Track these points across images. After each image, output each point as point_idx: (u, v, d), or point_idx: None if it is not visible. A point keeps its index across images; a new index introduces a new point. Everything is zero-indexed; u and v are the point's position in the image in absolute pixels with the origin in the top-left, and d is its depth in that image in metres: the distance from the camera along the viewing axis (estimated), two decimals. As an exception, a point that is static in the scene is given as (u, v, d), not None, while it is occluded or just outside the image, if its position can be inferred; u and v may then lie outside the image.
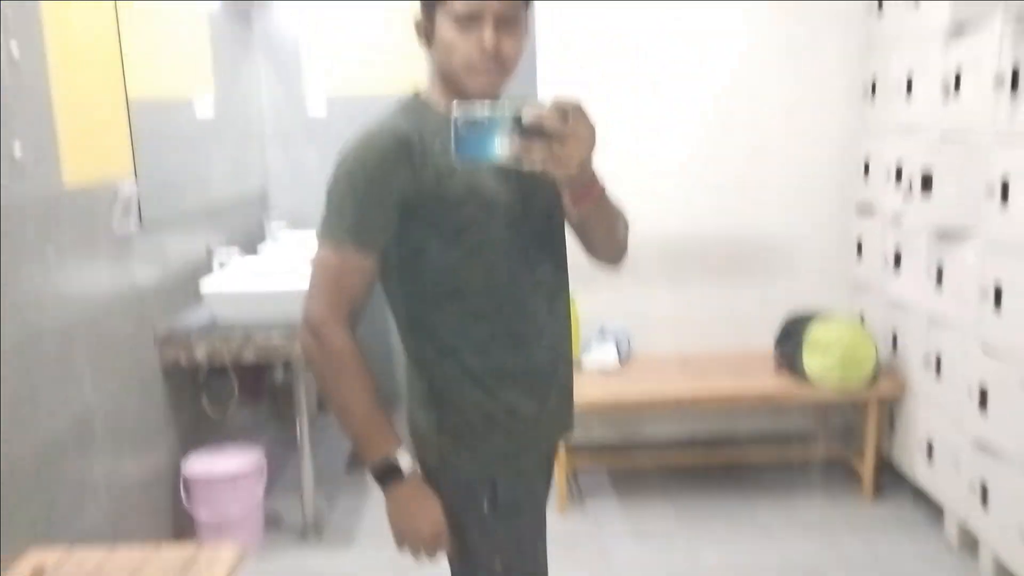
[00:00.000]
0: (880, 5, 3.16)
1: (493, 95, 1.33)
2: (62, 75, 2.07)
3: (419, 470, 1.37)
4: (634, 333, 3.38)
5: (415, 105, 1.36)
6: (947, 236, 2.72)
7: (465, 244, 1.32)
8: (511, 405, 1.38)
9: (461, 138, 1.17)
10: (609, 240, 1.42)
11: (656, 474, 3.34)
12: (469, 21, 1.26)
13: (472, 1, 1.25)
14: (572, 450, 3.20)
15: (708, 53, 3.27)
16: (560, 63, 3.21)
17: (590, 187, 1.27)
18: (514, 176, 1.33)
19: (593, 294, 3.21)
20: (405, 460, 1.33)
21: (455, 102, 1.19)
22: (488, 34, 1.26)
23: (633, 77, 3.25)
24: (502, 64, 1.29)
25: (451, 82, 1.32)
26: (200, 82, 3.15)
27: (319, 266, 1.32)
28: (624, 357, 3.30)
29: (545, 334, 1.41)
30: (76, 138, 2.13)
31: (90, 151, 2.24)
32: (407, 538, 1.36)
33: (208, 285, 2.73)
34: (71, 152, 2.10)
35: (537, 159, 1.17)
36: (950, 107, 2.68)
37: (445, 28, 1.27)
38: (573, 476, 3.32)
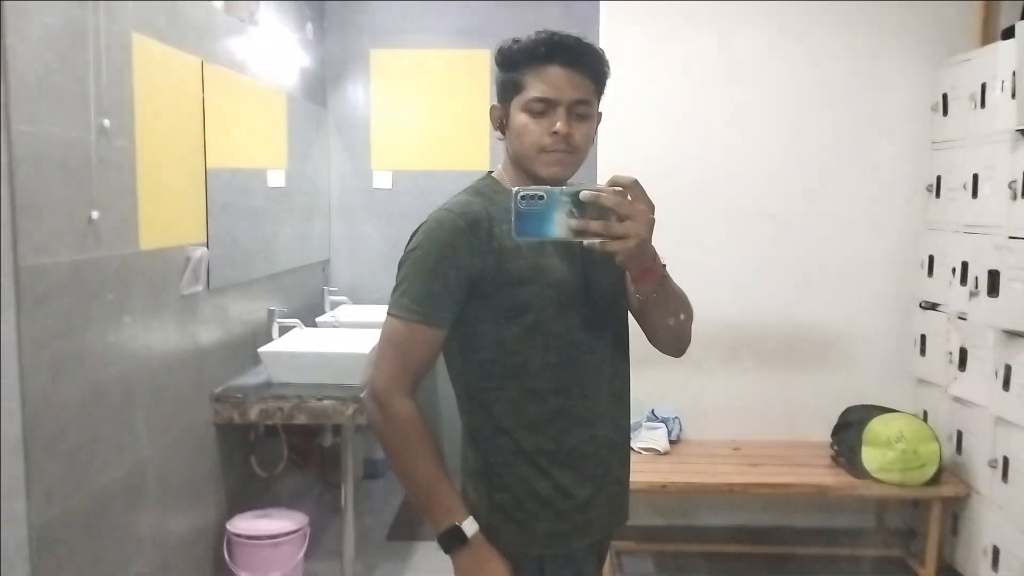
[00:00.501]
0: (945, 105, 3.16)
1: (564, 179, 1.38)
2: (147, 145, 2.21)
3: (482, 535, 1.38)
4: (685, 417, 3.34)
5: (487, 185, 1.43)
6: (1015, 337, 2.64)
7: (525, 323, 1.35)
8: (562, 486, 1.39)
9: (521, 216, 1.21)
10: (671, 325, 1.42)
11: (702, 561, 3.24)
12: (542, 110, 1.33)
13: (545, 91, 1.32)
14: (618, 533, 3.13)
15: (772, 142, 3.30)
16: (621, 150, 3.27)
17: (650, 266, 1.28)
18: (578, 259, 1.37)
19: (645, 376, 3.16)
20: (471, 526, 1.34)
21: (515, 187, 1.23)
22: (560, 122, 1.32)
23: (696, 162, 3.29)
24: (573, 149, 1.35)
25: (522, 168, 1.39)
26: (275, 154, 3.31)
27: (387, 337, 1.36)
28: (674, 441, 3.25)
29: (602, 417, 1.42)
30: (154, 204, 2.26)
31: (167, 217, 2.37)
32: None
33: (267, 348, 2.81)
34: (149, 217, 2.22)
35: (595, 236, 1.19)
36: (1018, 208, 2.64)
37: (518, 116, 1.35)
38: (618, 559, 3.24)
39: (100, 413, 2.02)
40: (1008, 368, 2.67)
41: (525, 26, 1.53)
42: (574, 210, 1.19)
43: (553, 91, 1.32)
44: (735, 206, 3.31)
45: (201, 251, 2.52)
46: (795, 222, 3.32)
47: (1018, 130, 2.63)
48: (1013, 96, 2.61)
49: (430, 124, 4.00)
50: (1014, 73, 2.61)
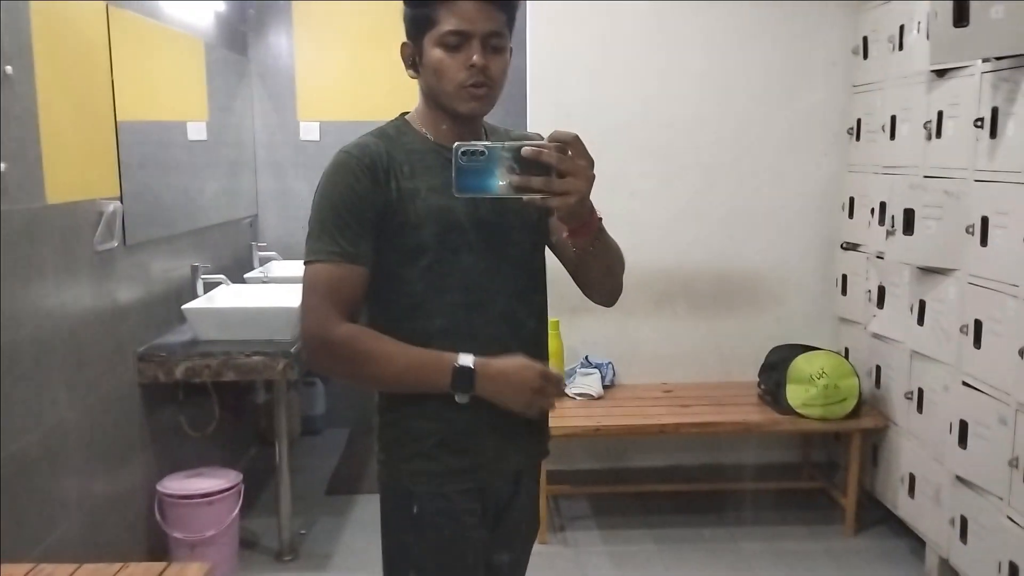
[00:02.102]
0: (865, 49, 3.21)
1: (482, 114, 1.37)
2: (49, 94, 2.10)
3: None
4: (619, 363, 3.39)
5: (395, 126, 1.40)
6: (928, 273, 2.74)
7: (422, 264, 1.34)
8: (444, 427, 1.38)
9: (461, 171, 1.20)
10: (606, 277, 1.43)
11: (638, 503, 3.33)
12: (456, 43, 1.30)
13: (459, 24, 1.29)
14: (554, 477, 3.19)
15: (698, 91, 3.32)
16: (550, 98, 3.25)
17: (588, 221, 1.28)
18: (489, 203, 1.34)
19: (578, 323, 3.23)
20: (466, 358, 1.31)
21: (456, 143, 1.21)
22: (476, 53, 1.30)
23: (622, 112, 3.29)
24: (490, 82, 1.32)
25: (439, 105, 1.36)
26: (194, 105, 3.19)
27: (309, 285, 1.33)
28: (608, 386, 3.30)
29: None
30: (61, 156, 2.16)
31: (76, 169, 2.27)
32: (530, 401, 1.32)
33: (191, 305, 2.75)
34: (55, 170, 2.12)
35: (536, 192, 1.19)
36: (932, 149, 2.72)
37: (432, 52, 1.32)
38: (554, 504, 3.31)
39: (13, 375, 1.95)
40: (922, 304, 2.78)
41: None
42: (515, 166, 1.19)
43: (467, 23, 1.29)
44: (664, 153, 3.33)
45: (114, 205, 2.43)
46: (723, 167, 3.36)
47: (932, 70, 2.70)
48: (928, 37, 2.67)
49: (358, 72, 3.90)
50: (928, 14, 2.66)
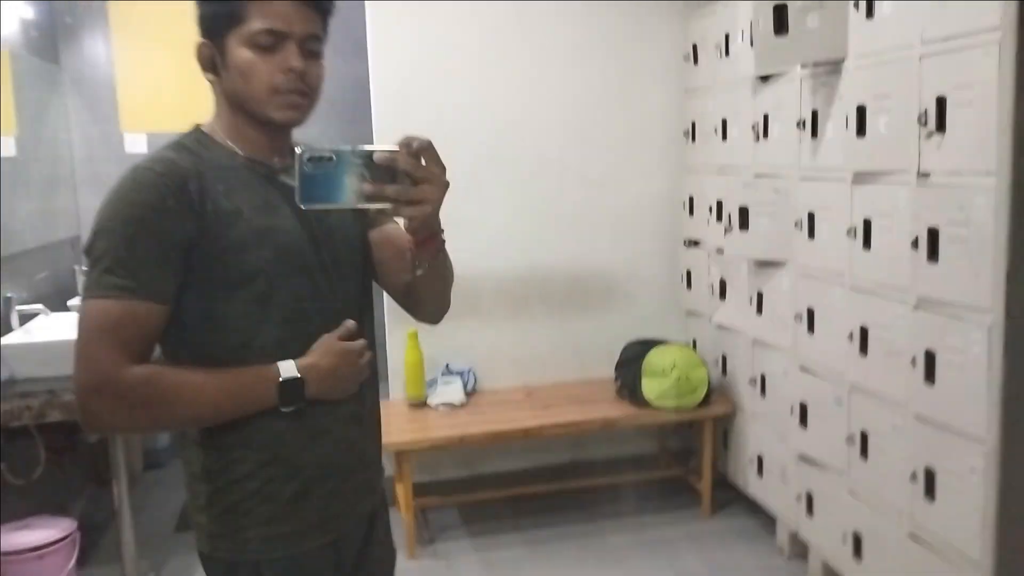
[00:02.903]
0: (695, 55, 3.37)
1: (297, 124, 1.24)
2: None
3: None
4: (479, 369, 3.38)
5: (196, 139, 1.23)
6: (764, 267, 2.91)
7: (251, 294, 1.18)
8: (301, 474, 1.22)
9: (307, 180, 1.07)
10: (441, 293, 1.34)
11: (506, 507, 3.33)
12: (270, 44, 1.16)
13: (274, 23, 1.16)
14: (420, 489, 3.13)
15: (540, 96, 3.36)
16: (394, 106, 3.19)
17: (435, 234, 1.19)
18: (308, 219, 1.22)
19: (436, 332, 3.16)
20: (287, 367, 1.18)
21: (298, 147, 1.07)
22: (294, 57, 1.17)
23: (467, 119, 3.28)
24: (309, 89, 1.20)
25: (247, 113, 1.20)
26: (1, 120, 2.88)
27: (91, 325, 1.10)
28: (470, 393, 3.29)
29: (349, 399, 1.28)
30: None
31: None
32: (354, 382, 1.24)
33: (5, 341, 2.47)
34: None
35: (390, 201, 1.08)
36: (760, 149, 2.89)
37: (239, 52, 1.17)
38: (423, 517, 3.25)
39: None
40: (760, 295, 2.95)
41: None
42: (366, 173, 1.08)
43: (284, 23, 1.16)
44: (511, 158, 3.35)
45: (-92, 234, 2.15)
46: (568, 171, 3.42)
47: (757, 77, 2.87)
48: (751, 44, 2.83)
49: (186, 79, 3.64)
50: (751, 23, 2.82)
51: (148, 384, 1.13)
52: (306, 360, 1.20)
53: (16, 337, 2.55)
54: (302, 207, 1.09)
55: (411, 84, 3.22)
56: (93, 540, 2.71)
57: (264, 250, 1.18)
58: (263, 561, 1.22)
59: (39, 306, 2.76)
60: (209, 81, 1.23)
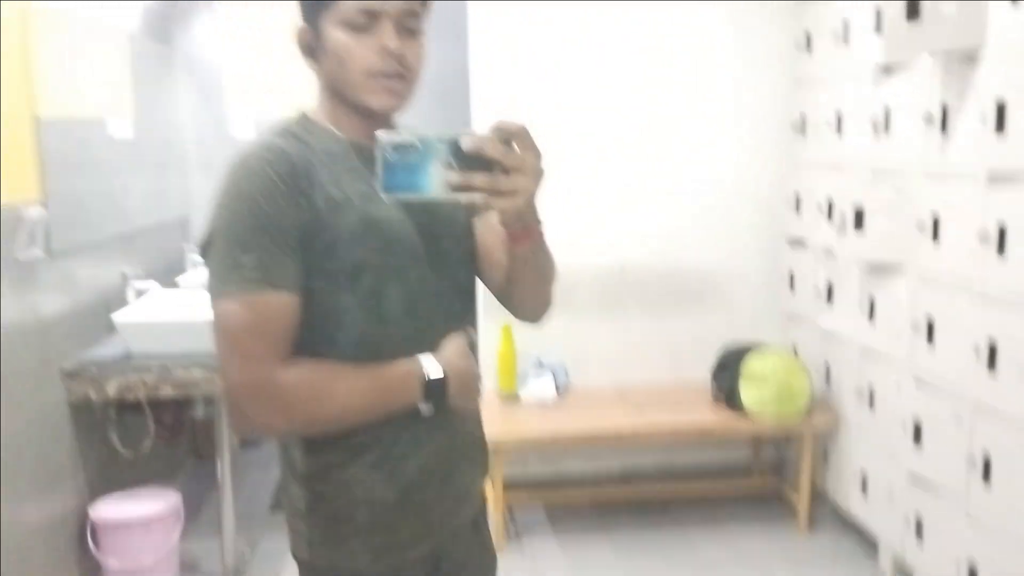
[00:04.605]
0: (809, 43, 3.22)
1: (398, 109, 1.17)
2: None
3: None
4: (571, 366, 3.33)
5: (301, 125, 1.18)
6: (879, 270, 2.75)
7: (360, 289, 1.13)
8: (405, 490, 1.19)
9: (389, 168, 1.01)
10: (540, 290, 1.26)
11: (594, 509, 3.28)
12: (365, 24, 1.10)
13: (368, 1, 1.10)
14: (509, 486, 3.11)
15: (643, 86, 3.27)
16: (494, 93, 3.16)
17: (532, 225, 1.11)
18: (419, 210, 1.16)
19: (530, 326, 3.15)
20: (429, 363, 1.15)
21: (379, 131, 1.02)
22: (390, 36, 1.10)
23: (567, 109, 3.22)
24: (406, 72, 1.13)
25: (345, 99, 1.15)
26: (119, 101, 2.98)
27: (228, 325, 1.07)
28: (562, 390, 3.24)
29: (454, 416, 1.23)
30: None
31: (-9, 172, 2.08)
32: (475, 386, 1.22)
33: (122, 316, 2.56)
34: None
35: (479, 192, 1.01)
36: (881, 144, 2.73)
37: (335, 35, 1.11)
38: (509, 512, 3.23)
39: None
40: (872, 300, 2.79)
41: None
42: (453, 161, 1.01)
43: (376, 0, 1.09)
44: (611, 151, 3.28)
45: (36, 211, 2.24)
46: (669, 164, 3.33)
47: (879, 66, 2.70)
48: (877, 31, 2.67)
49: (294, 64, 3.72)
50: (876, 9, 2.67)
51: (305, 384, 1.09)
52: (443, 358, 1.16)
53: (131, 312, 2.64)
54: (383, 196, 1.03)
55: (512, 70, 3.19)
56: (191, 514, 2.79)
57: (373, 241, 1.12)
58: (365, 571, 1.19)
59: (152, 282, 2.85)
60: (310, 67, 1.19)
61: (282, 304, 1.08)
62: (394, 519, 1.19)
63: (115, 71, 2.97)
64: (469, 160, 1.01)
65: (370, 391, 1.13)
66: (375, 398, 1.13)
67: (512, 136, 1.02)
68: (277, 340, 1.08)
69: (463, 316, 1.25)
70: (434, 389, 1.14)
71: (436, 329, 1.19)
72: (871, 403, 2.83)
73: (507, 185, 1.02)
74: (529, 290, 1.25)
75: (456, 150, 1.01)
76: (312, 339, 1.13)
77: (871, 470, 2.83)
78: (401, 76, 1.13)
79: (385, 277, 1.14)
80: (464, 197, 1.02)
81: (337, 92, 1.16)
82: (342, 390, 1.11)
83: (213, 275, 1.09)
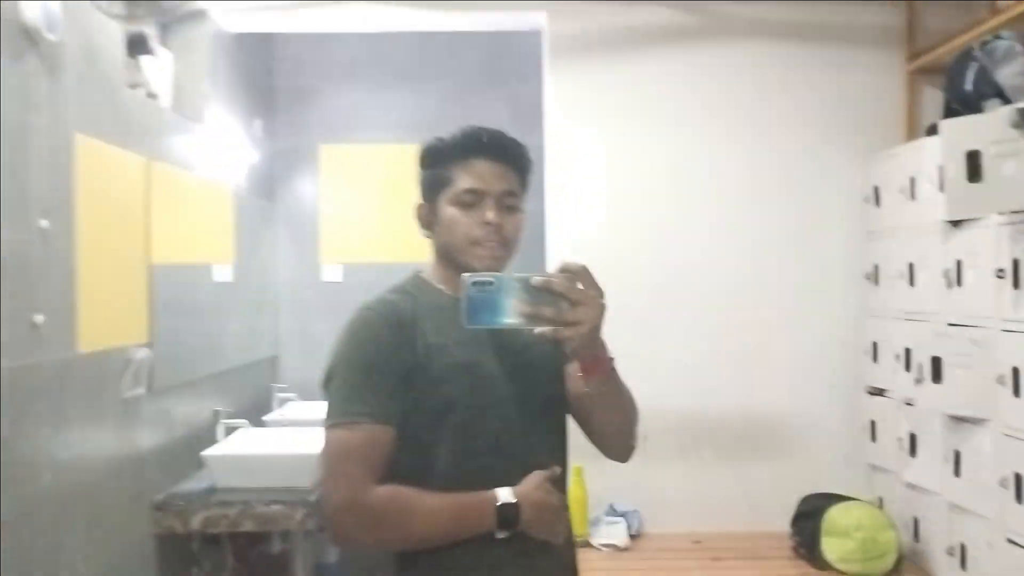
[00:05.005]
0: (878, 197, 3.29)
1: (496, 272, 1.33)
2: (88, 246, 2.15)
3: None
4: (645, 511, 3.28)
5: (413, 283, 1.41)
6: (962, 423, 2.68)
7: (449, 424, 1.30)
8: None
9: (472, 303, 1.20)
10: (619, 424, 1.39)
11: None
12: (471, 201, 1.33)
13: (474, 183, 1.32)
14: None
15: (716, 236, 3.38)
16: (568, 242, 3.31)
17: (600, 356, 1.27)
18: (511, 355, 1.33)
19: (602, 469, 3.10)
20: (504, 494, 1.27)
21: (464, 274, 1.21)
22: (491, 212, 1.32)
23: (640, 256, 3.33)
24: (504, 241, 1.34)
25: (453, 262, 1.36)
26: (221, 249, 3.26)
27: (334, 451, 1.27)
28: (634, 535, 3.18)
29: (541, 547, 1.34)
30: (95, 305, 2.18)
31: (108, 317, 2.29)
32: (553, 518, 1.32)
33: (211, 451, 2.70)
34: (89, 319, 2.14)
35: (547, 322, 1.17)
36: (954, 296, 2.73)
37: (447, 211, 1.35)
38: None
39: (34, 528, 1.89)
40: (957, 454, 2.71)
41: (473, 120, 1.51)
42: (525, 296, 1.19)
43: (482, 182, 1.34)
44: (685, 299, 3.35)
45: (143, 352, 2.44)
46: (742, 311, 3.37)
47: (947, 221, 2.75)
48: (941, 189, 2.74)
49: (380, 216, 4.01)
50: (940, 168, 2.74)
51: (392, 502, 1.25)
52: (520, 489, 1.28)
53: (220, 449, 2.78)
54: (467, 327, 1.20)
55: (586, 222, 3.34)
56: (262, 652, 2.81)
57: (463, 382, 1.30)
58: None
59: (241, 420, 3.01)
60: (426, 236, 1.42)
61: (381, 435, 1.27)
62: None
63: (220, 222, 3.26)
64: (539, 295, 1.19)
65: (448, 514, 1.27)
66: (452, 520, 1.28)
67: (575, 274, 1.19)
68: (373, 465, 1.26)
69: (551, 453, 1.38)
70: (507, 515, 1.25)
71: (522, 464, 1.33)
72: (963, 562, 2.68)
73: (572, 316, 1.18)
74: (609, 425, 1.39)
75: (527, 286, 1.19)
76: (409, 467, 1.30)
77: (967, 636, 2.65)
78: (500, 243, 1.35)
79: (472, 415, 1.30)
80: (534, 327, 1.18)
81: (446, 256, 1.39)
82: (423, 511, 1.26)
83: (328, 406, 1.30)
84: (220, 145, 3.20)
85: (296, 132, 4.04)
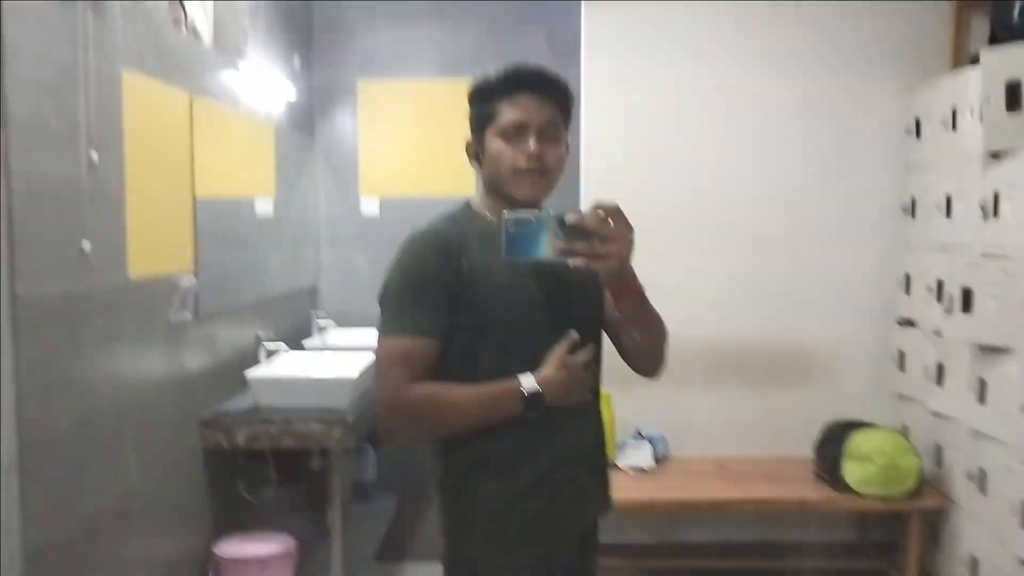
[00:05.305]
0: (918, 129, 3.24)
1: (538, 200, 1.46)
2: (136, 177, 2.26)
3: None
4: (670, 435, 3.38)
5: (462, 211, 1.52)
6: (989, 352, 2.70)
7: (493, 340, 1.42)
8: (513, 495, 1.44)
9: (511, 238, 1.30)
10: (649, 345, 1.51)
11: (691, 579, 3.26)
12: (515, 133, 1.41)
13: (518, 115, 1.41)
14: (605, 551, 3.15)
15: (751, 166, 3.37)
16: (603, 175, 3.33)
17: (630, 285, 1.38)
18: (551, 280, 1.43)
19: (629, 395, 3.23)
20: (527, 381, 1.40)
21: (504, 210, 1.32)
22: (532, 142, 1.41)
23: (675, 188, 3.35)
24: (545, 170, 1.43)
25: (498, 191, 1.47)
26: (263, 183, 3.37)
27: (383, 358, 1.42)
28: (660, 460, 3.29)
29: (568, 432, 1.48)
30: (143, 235, 2.31)
31: (155, 246, 2.42)
32: (575, 387, 1.43)
33: (254, 373, 2.86)
34: (138, 247, 2.27)
35: (580, 256, 1.28)
36: (989, 228, 2.71)
37: (493, 143, 1.44)
38: (605, 580, 3.27)
39: (91, 440, 2.06)
40: (983, 382, 2.73)
41: (509, 56, 1.64)
42: (560, 233, 1.28)
43: (524, 115, 1.42)
44: (716, 228, 3.37)
45: (189, 279, 2.57)
46: (775, 242, 3.38)
47: (987, 152, 2.71)
48: (981, 120, 2.69)
49: (417, 151, 4.07)
50: (980, 98, 2.69)
51: (427, 399, 1.41)
52: (542, 373, 1.41)
53: (262, 370, 2.93)
54: (505, 259, 1.32)
55: (621, 153, 3.36)
56: (305, 558, 3.00)
57: (503, 302, 1.42)
58: (479, 561, 1.46)
59: (281, 344, 3.15)
60: (474, 168, 1.52)
61: (424, 347, 1.41)
62: (503, 519, 1.45)
63: (261, 157, 3.36)
64: (573, 231, 1.29)
65: (478, 405, 1.42)
66: (483, 410, 1.42)
67: (608, 212, 1.30)
68: (415, 372, 1.41)
69: (587, 368, 1.48)
70: (533, 400, 1.39)
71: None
72: (982, 486, 2.73)
73: (603, 250, 1.29)
74: (638, 344, 1.51)
75: (562, 224, 1.29)
76: (455, 379, 1.43)
77: (982, 554, 2.71)
78: (541, 173, 1.43)
79: (512, 332, 1.43)
80: (568, 260, 1.29)
81: (493, 186, 1.49)
82: (454, 404, 1.42)
83: (381, 320, 1.45)
84: (260, 81, 3.27)
85: (334, 68, 4.09)
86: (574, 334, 1.43)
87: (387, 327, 1.43)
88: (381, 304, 1.45)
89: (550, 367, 1.41)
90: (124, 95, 2.20)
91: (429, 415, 1.42)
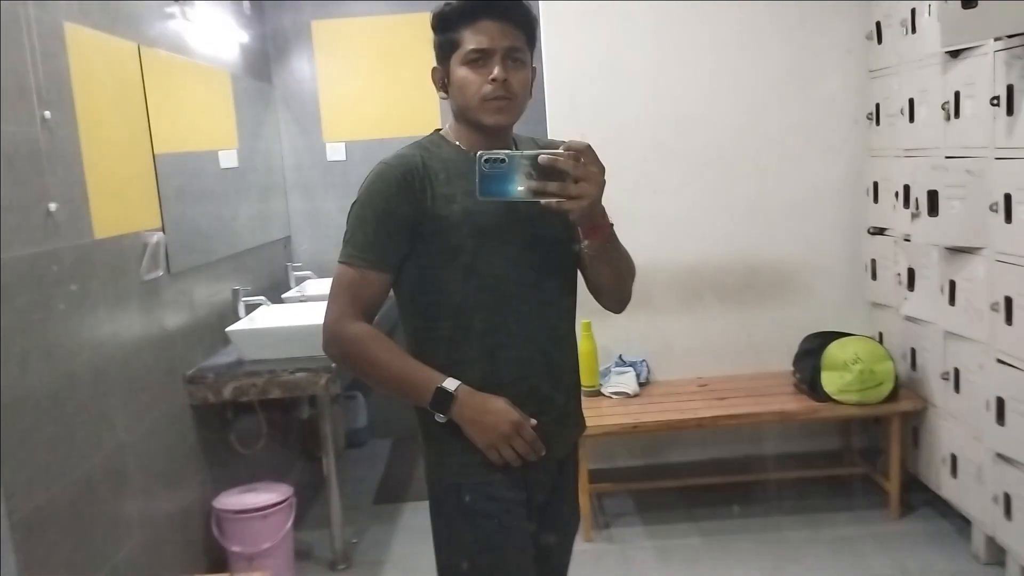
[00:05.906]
0: (879, 34, 3.23)
1: (506, 124, 1.46)
2: (91, 134, 2.21)
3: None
4: (652, 360, 3.43)
5: (431, 140, 1.51)
6: (956, 253, 2.75)
7: (459, 264, 1.43)
8: None
9: (484, 177, 1.30)
10: (616, 281, 1.51)
11: (681, 497, 3.35)
12: (479, 59, 1.40)
13: (481, 42, 1.40)
14: (595, 476, 3.23)
15: (713, 84, 3.35)
16: (568, 101, 3.30)
17: (600, 224, 1.38)
18: (517, 209, 1.43)
19: (610, 323, 3.25)
20: (452, 382, 1.41)
21: (479, 151, 1.31)
22: (497, 68, 1.40)
23: (639, 111, 3.33)
24: (512, 95, 1.42)
25: (466, 119, 1.46)
26: (224, 134, 3.30)
27: (336, 282, 1.45)
28: (643, 384, 3.34)
29: (539, 357, 1.49)
30: (105, 192, 2.27)
31: (119, 204, 2.38)
32: (494, 442, 1.42)
33: (234, 328, 2.85)
34: (101, 206, 2.23)
35: (552, 196, 1.29)
36: (952, 129, 2.73)
37: (458, 71, 1.43)
38: (598, 502, 3.35)
39: (73, 402, 2.05)
40: (952, 284, 2.78)
41: None
42: (533, 172, 1.29)
43: (488, 41, 1.41)
44: (684, 150, 3.36)
45: (157, 236, 2.54)
46: (743, 159, 3.38)
47: (946, 52, 2.71)
48: (938, 19, 2.68)
49: (379, 92, 4.00)
50: (938, -3, 2.68)
51: (359, 343, 1.44)
52: (474, 393, 1.42)
53: (243, 324, 2.92)
54: (479, 199, 1.32)
55: (584, 80, 3.32)
56: (303, 506, 3.05)
57: (470, 227, 1.42)
58: (463, 484, 1.48)
59: (261, 298, 3.14)
60: (442, 98, 1.51)
61: (375, 280, 1.43)
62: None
63: (220, 108, 3.28)
64: (545, 171, 1.30)
65: (394, 374, 1.44)
66: (395, 381, 1.45)
67: (580, 152, 1.30)
68: (362, 304, 1.43)
69: (556, 297, 1.51)
70: (441, 399, 1.41)
71: (526, 303, 1.47)
72: (956, 385, 2.81)
73: (575, 191, 1.30)
74: (607, 281, 1.51)
75: (535, 164, 1.30)
76: (423, 303, 1.47)
77: (959, 451, 2.81)
78: (507, 98, 1.42)
79: (477, 256, 1.43)
80: (540, 199, 1.31)
81: (461, 114, 1.47)
82: (377, 362, 1.44)
83: (342, 244, 1.46)
84: (210, 27, 3.18)
85: (286, 10, 3.97)
86: (532, 422, 1.44)
87: (343, 253, 1.45)
88: (346, 227, 1.47)
89: (489, 410, 1.41)
90: (69, 49, 2.14)
91: (355, 359, 1.45)
